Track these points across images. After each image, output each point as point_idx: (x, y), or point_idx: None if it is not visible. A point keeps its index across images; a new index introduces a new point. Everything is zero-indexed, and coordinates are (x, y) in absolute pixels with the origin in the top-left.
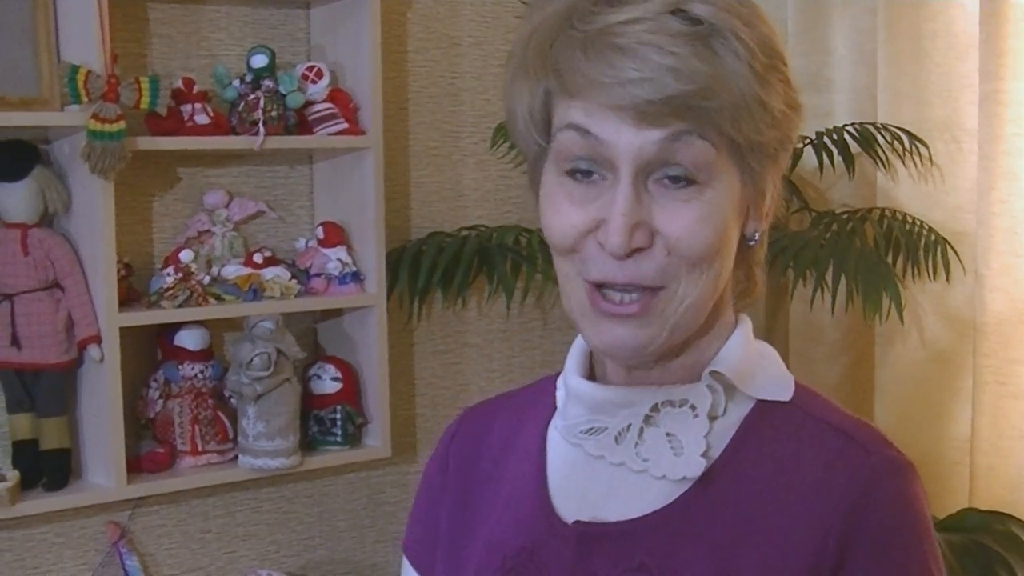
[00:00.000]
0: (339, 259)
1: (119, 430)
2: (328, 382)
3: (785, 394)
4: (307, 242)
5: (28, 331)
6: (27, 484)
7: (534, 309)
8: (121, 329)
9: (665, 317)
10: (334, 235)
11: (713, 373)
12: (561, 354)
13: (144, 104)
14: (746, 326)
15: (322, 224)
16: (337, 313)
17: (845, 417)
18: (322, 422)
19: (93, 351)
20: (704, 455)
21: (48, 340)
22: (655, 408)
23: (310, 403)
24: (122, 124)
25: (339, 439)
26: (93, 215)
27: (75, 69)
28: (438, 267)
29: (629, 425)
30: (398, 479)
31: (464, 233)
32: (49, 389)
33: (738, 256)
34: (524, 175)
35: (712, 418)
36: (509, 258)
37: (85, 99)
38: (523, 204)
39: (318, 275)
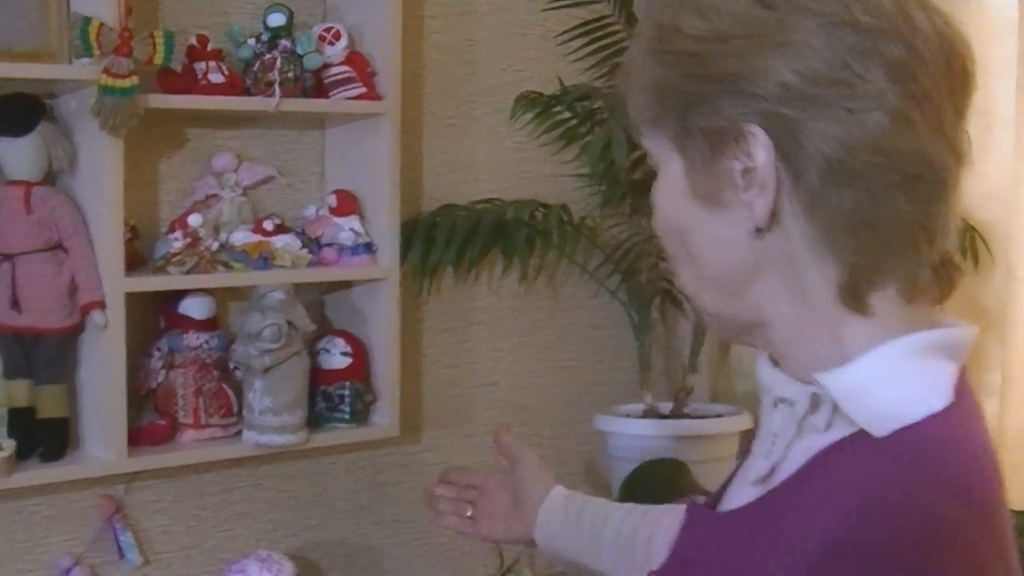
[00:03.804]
0: (352, 229)
1: (121, 400)
2: (337, 357)
3: (879, 429)
4: (318, 210)
5: (29, 293)
6: (22, 454)
7: (545, 287)
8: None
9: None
10: (347, 204)
11: (817, 382)
12: (570, 335)
13: (158, 60)
14: (904, 344)
15: (335, 192)
16: (346, 285)
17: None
18: (330, 398)
19: (97, 317)
20: (774, 462)
21: (49, 304)
22: (775, 403)
23: (317, 378)
24: (135, 80)
25: (347, 416)
26: (100, 174)
27: (87, 21)
28: (454, 241)
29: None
30: (401, 460)
31: (479, 206)
32: (48, 355)
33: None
34: (541, 148)
35: (811, 428)
36: (524, 233)
37: (97, 52)
38: (538, 178)
39: (329, 245)
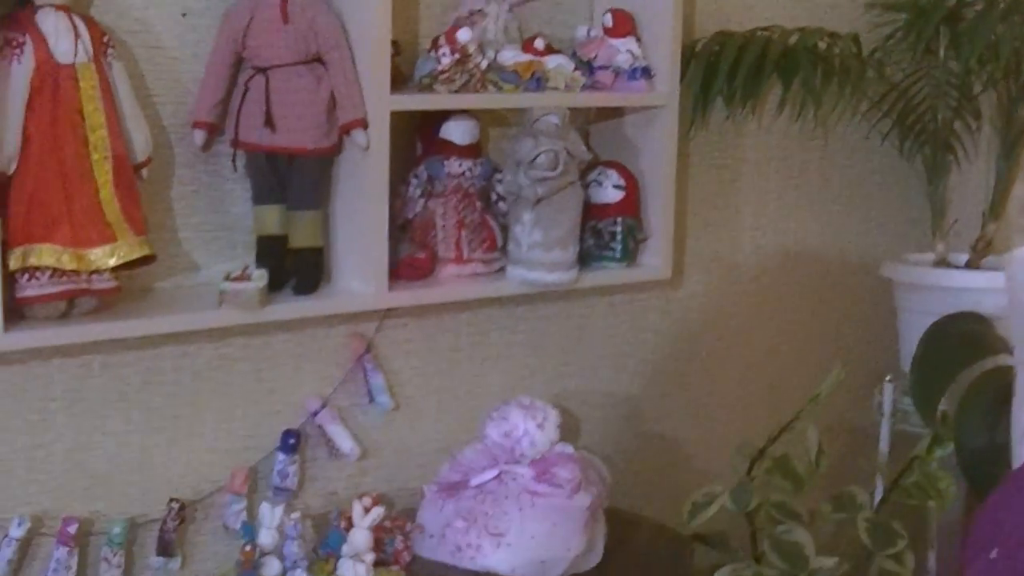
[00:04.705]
0: (629, 51)
1: (382, 230)
2: (610, 190)
3: None
4: (590, 31)
5: (284, 111)
6: (272, 286)
7: (817, 128)
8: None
9: None
10: (624, 24)
11: None
12: (839, 183)
13: None
14: None
15: (611, 11)
16: (616, 113)
17: None
18: (600, 235)
19: (358, 137)
20: None
21: (306, 122)
22: None
23: (586, 213)
24: None
25: (618, 255)
26: None
27: None
28: (740, 70)
29: None
30: (664, 304)
31: (758, 33)
32: (303, 178)
33: None
34: None
35: None
36: (812, 63)
37: None
38: (821, 5)
39: (604, 68)
